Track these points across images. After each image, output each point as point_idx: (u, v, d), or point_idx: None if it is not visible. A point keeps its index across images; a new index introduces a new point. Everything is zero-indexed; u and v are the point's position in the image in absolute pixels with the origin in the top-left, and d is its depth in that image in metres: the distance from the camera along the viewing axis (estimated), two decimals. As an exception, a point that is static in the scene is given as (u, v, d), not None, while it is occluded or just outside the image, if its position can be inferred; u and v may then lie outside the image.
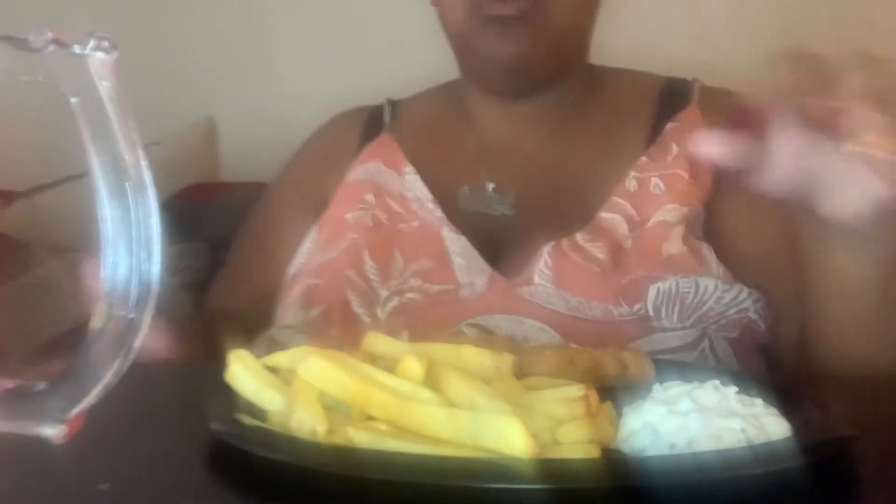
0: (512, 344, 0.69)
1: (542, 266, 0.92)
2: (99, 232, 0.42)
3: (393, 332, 0.86)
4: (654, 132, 1.02)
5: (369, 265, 0.97)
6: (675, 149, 1.00)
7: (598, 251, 0.93)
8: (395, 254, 0.98)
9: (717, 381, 0.54)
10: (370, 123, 1.14)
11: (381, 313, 0.94)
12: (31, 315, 1.25)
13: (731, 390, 0.54)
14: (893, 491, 0.51)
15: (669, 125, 1.02)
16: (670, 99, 1.05)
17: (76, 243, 1.27)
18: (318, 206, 1.08)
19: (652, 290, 0.89)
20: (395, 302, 0.94)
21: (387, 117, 1.14)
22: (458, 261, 0.96)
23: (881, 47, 1.47)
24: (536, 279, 0.92)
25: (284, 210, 1.12)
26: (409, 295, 0.94)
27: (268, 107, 1.66)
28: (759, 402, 0.53)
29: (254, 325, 1.02)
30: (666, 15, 1.54)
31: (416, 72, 1.21)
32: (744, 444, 0.50)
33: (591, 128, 1.05)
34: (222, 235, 1.22)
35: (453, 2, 1.00)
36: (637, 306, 0.89)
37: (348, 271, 0.97)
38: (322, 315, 0.95)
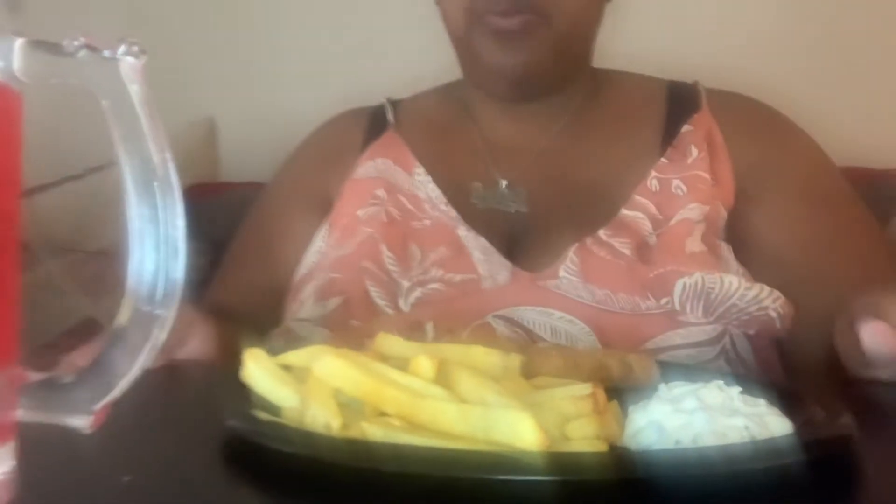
0: (519, 344, 0.70)
1: (569, 262, 0.93)
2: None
3: (418, 324, 0.87)
4: (669, 135, 1.04)
5: (387, 257, 0.98)
6: (694, 151, 1.01)
7: (624, 247, 0.94)
8: (411, 247, 0.99)
9: (720, 382, 0.56)
10: (373, 122, 1.14)
11: (404, 305, 0.94)
12: (31, 315, 1.25)
13: (735, 390, 0.55)
14: (892, 491, 0.52)
15: (685, 128, 1.04)
16: (680, 102, 1.07)
17: (76, 243, 1.28)
18: (321, 203, 1.09)
19: (678, 285, 0.90)
20: (417, 293, 0.95)
21: (390, 116, 1.14)
22: (475, 253, 0.97)
23: (878, 48, 1.49)
24: (562, 273, 0.93)
25: (286, 207, 1.12)
26: (433, 286, 0.95)
27: (268, 107, 1.67)
28: (762, 402, 0.55)
29: (255, 321, 1.02)
30: (664, 18, 1.55)
31: (417, 72, 1.22)
32: (747, 441, 0.52)
33: (600, 129, 1.07)
34: (222, 235, 1.23)
35: (455, 11, 1.01)
36: (664, 300, 0.90)
37: (366, 263, 0.97)
38: (342, 306, 0.96)
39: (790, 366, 0.96)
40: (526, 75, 1.01)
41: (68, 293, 1.27)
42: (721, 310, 0.91)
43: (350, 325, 0.93)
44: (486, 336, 0.88)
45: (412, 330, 0.90)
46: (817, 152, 1.06)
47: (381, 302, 0.95)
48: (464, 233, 0.99)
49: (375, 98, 1.19)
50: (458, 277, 0.95)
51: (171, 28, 1.69)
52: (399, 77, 1.26)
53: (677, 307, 0.90)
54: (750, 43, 1.52)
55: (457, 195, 1.04)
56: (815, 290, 0.95)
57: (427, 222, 1.02)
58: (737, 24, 1.54)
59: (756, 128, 1.05)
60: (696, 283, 0.91)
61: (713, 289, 0.91)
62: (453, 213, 1.02)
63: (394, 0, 1.60)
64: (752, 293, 0.92)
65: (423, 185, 1.05)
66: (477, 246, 0.98)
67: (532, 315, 0.91)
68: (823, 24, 1.51)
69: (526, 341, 0.88)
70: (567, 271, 0.93)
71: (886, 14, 1.50)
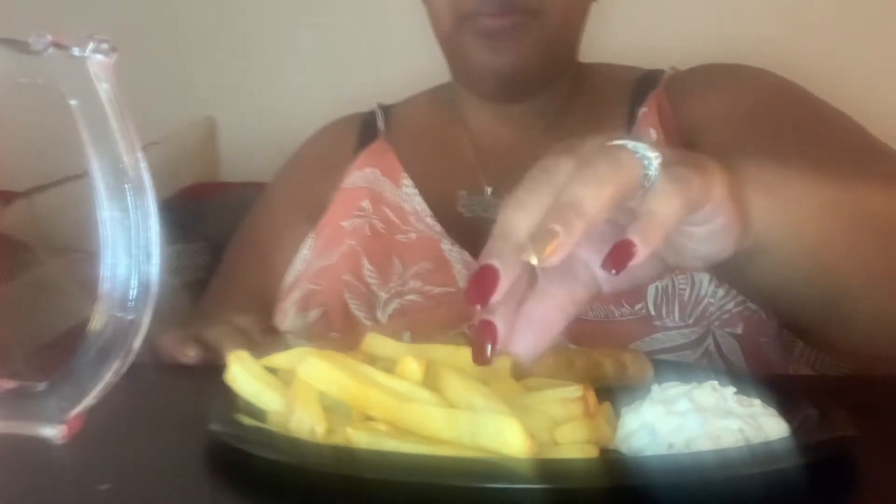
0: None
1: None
2: (99, 232, 0.42)
3: (395, 334, 0.86)
4: (630, 122, 1.02)
5: (367, 270, 0.97)
6: (653, 134, 0.99)
7: None
8: (393, 260, 0.98)
9: (715, 382, 0.54)
10: (364, 129, 1.14)
11: (381, 316, 0.94)
12: (31, 315, 1.25)
13: (730, 391, 0.54)
14: (892, 491, 0.51)
15: (641, 111, 1.02)
16: (642, 87, 1.05)
17: (76, 243, 1.27)
18: (314, 213, 1.08)
19: (651, 289, 0.90)
20: (395, 304, 0.94)
21: (380, 122, 1.14)
22: (457, 267, 0.96)
23: (876, 45, 1.47)
24: None
25: (280, 218, 1.12)
26: (410, 297, 0.94)
27: (268, 107, 1.66)
28: (757, 402, 0.53)
29: None
30: (655, 14, 1.54)
31: (415, 73, 1.21)
32: (742, 444, 0.50)
33: (578, 126, 1.05)
34: (222, 235, 1.23)
35: (442, 11, 0.99)
36: (638, 306, 0.89)
37: (346, 276, 0.97)
38: (321, 318, 0.96)
39: (795, 363, 0.94)
40: (515, 75, 0.99)
41: (68, 293, 1.27)
42: (697, 311, 0.90)
43: (330, 337, 0.93)
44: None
45: None
46: (770, 81, 0.99)
47: (359, 313, 0.95)
48: (447, 246, 0.99)
49: (374, 98, 1.19)
50: (436, 290, 0.95)
51: (171, 28, 1.69)
52: (398, 77, 1.26)
53: (652, 312, 0.89)
54: (745, 40, 1.50)
55: (443, 206, 1.03)
56: None
57: (412, 235, 1.01)
58: (732, 20, 1.53)
59: (701, 84, 1.01)
60: (667, 286, 0.89)
61: (684, 290, 0.90)
62: (438, 227, 1.01)
63: (393, 1, 1.60)
64: (722, 290, 0.90)
65: (410, 199, 1.05)
66: (460, 259, 0.97)
67: None
68: (823, 23, 1.50)
69: None
70: None
71: (883, 10, 1.48)
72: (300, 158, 1.17)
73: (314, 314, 0.96)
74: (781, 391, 0.57)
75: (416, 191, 1.05)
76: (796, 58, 1.48)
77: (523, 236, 0.49)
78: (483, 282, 0.49)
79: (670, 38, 1.50)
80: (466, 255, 0.97)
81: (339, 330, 0.93)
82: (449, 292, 0.94)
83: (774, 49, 1.48)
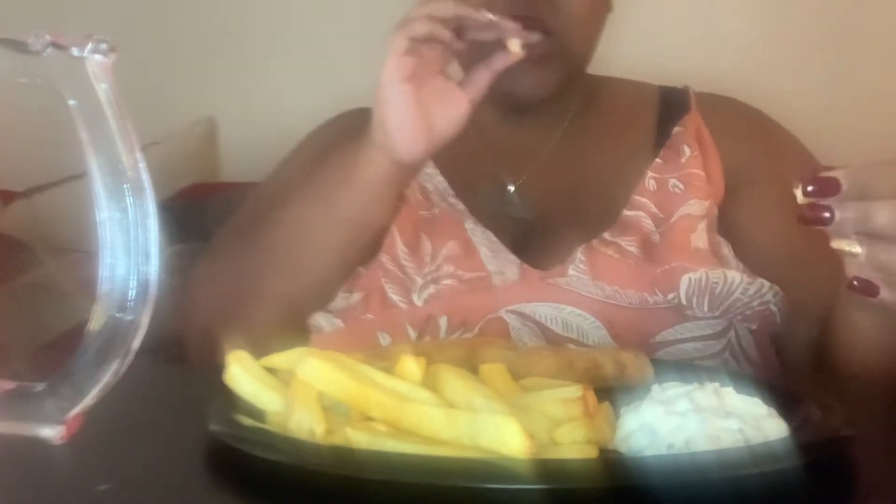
0: (511, 344, 0.69)
1: (577, 262, 0.95)
2: (98, 233, 0.42)
3: (432, 318, 0.87)
4: (662, 136, 1.06)
5: (402, 251, 0.98)
6: (687, 150, 1.03)
7: (629, 245, 0.96)
8: (421, 237, 0.99)
9: (717, 384, 0.55)
10: None
11: (417, 300, 0.95)
12: (31, 315, 1.25)
13: (730, 391, 0.54)
14: (891, 491, 0.51)
15: (676, 129, 1.05)
16: (670, 105, 1.09)
17: (76, 243, 1.27)
18: None
19: (684, 280, 0.92)
20: (431, 289, 0.95)
21: None
22: (482, 250, 0.97)
23: (875, 49, 1.47)
24: (571, 272, 0.94)
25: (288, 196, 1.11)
26: (445, 281, 0.95)
27: (268, 107, 1.66)
28: (757, 402, 0.54)
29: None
30: (657, 25, 1.54)
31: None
32: (741, 444, 0.50)
33: (598, 134, 1.08)
34: (222, 236, 1.22)
35: None
36: (671, 295, 0.92)
37: (383, 256, 0.98)
38: (362, 301, 0.96)
39: (787, 364, 0.96)
40: (541, 98, 1.01)
41: (68, 293, 1.27)
42: (726, 304, 0.92)
43: (364, 319, 0.94)
44: (498, 330, 0.90)
45: (426, 324, 0.91)
46: (801, 150, 1.08)
47: (395, 297, 0.96)
48: (471, 226, 1.00)
49: (373, 99, 1.18)
50: (468, 275, 0.96)
51: (171, 28, 1.69)
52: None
53: (684, 302, 0.92)
54: (747, 46, 1.50)
55: (464, 189, 1.05)
56: (801, 282, 0.96)
57: (436, 211, 1.02)
58: (735, 26, 1.53)
59: (742, 128, 1.08)
60: (700, 279, 0.92)
61: (717, 284, 0.92)
62: (461, 205, 1.03)
63: (393, 1, 1.59)
64: (753, 287, 0.94)
65: (431, 178, 1.06)
66: (484, 241, 0.98)
67: (544, 310, 0.93)
68: (823, 27, 1.50)
69: (515, 342, 0.88)
70: (576, 269, 0.94)
71: (883, 15, 1.48)
72: (311, 141, 1.16)
73: (356, 297, 0.97)
74: (781, 391, 0.58)
75: (436, 170, 1.06)
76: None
77: None
78: None
79: (664, 51, 1.50)
80: (491, 236, 0.99)
81: (374, 313, 0.95)
82: (481, 277, 0.95)
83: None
